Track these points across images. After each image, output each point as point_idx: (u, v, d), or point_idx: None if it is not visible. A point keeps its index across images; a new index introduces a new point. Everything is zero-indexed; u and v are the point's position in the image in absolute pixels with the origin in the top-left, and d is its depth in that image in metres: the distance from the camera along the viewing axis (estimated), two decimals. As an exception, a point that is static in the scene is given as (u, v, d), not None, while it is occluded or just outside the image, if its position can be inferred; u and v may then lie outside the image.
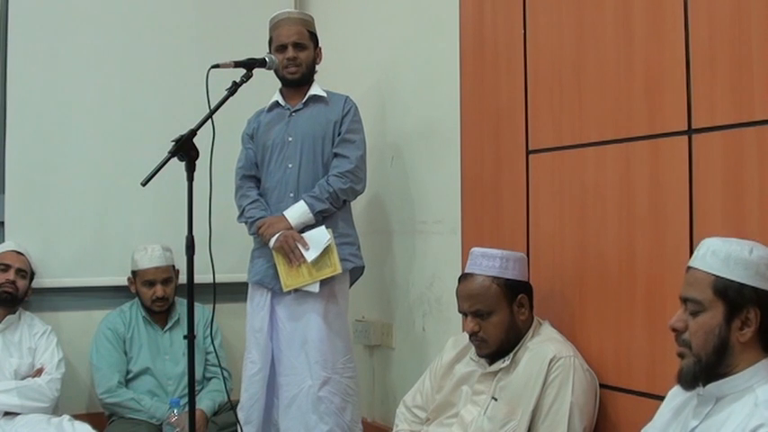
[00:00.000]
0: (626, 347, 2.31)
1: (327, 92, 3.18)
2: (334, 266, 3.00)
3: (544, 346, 2.33)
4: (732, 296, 1.67)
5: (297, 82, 3.13)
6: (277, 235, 2.99)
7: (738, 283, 1.67)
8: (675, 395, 1.86)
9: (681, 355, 1.74)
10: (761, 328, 1.67)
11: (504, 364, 2.38)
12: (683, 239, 2.12)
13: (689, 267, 1.77)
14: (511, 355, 2.38)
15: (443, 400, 2.53)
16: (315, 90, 3.16)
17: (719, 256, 1.70)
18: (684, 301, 1.74)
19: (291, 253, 2.98)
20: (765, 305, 1.67)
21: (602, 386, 2.36)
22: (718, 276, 1.69)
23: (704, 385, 1.71)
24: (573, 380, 2.26)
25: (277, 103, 3.19)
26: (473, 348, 2.47)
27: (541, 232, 2.64)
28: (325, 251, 2.98)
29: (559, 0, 2.56)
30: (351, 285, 3.20)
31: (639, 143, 2.28)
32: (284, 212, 3.04)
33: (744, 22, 2.00)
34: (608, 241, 2.38)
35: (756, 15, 1.97)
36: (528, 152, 2.70)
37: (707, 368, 1.69)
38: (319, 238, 3.00)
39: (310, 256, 2.98)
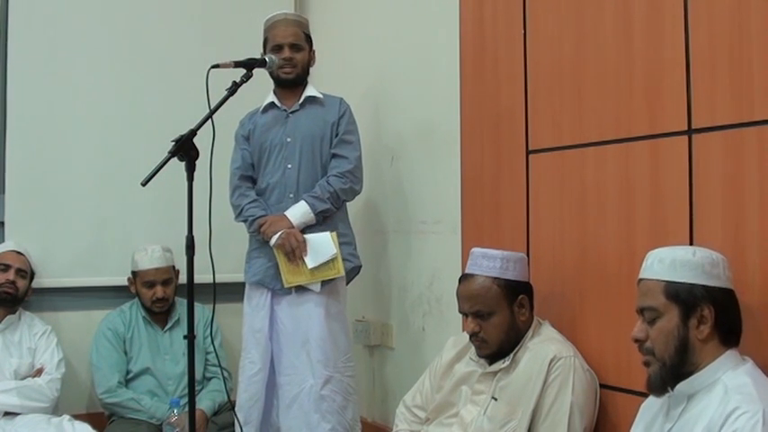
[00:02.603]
0: (626, 347, 2.30)
1: (322, 93, 3.19)
2: (338, 270, 3.01)
3: (544, 346, 2.33)
4: (684, 297, 1.76)
5: (291, 82, 3.13)
6: (279, 233, 3.00)
7: (688, 283, 1.76)
8: (647, 408, 1.93)
9: (646, 364, 1.82)
10: (717, 323, 1.75)
11: (504, 365, 2.38)
12: (683, 239, 2.12)
13: (639, 280, 1.86)
14: (511, 355, 2.38)
15: (443, 399, 2.53)
16: (310, 91, 3.17)
17: (665, 262, 1.80)
18: (641, 311, 1.83)
19: (292, 253, 2.98)
20: (717, 301, 1.76)
21: (602, 386, 2.37)
22: (668, 281, 1.78)
23: (672, 388, 1.78)
24: (573, 380, 2.26)
25: (272, 104, 3.19)
26: (473, 348, 2.47)
27: (541, 232, 2.64)
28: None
29: (559, 0, 2.57)
30: (347, 284, 3.20)
31: (639, 143, 2.28)
32: (286, 212, 3.04)
33: (744, 22, 2.00)
34: (608, 241, 2.38)
35: (756, 15, 1.97)
36: (528, 152, 2.70)
37: (672, 369, 1.77)
38: (324, 247, 2.99)
39: (311, 262, 2.98)
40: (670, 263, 1.79)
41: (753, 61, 1.98)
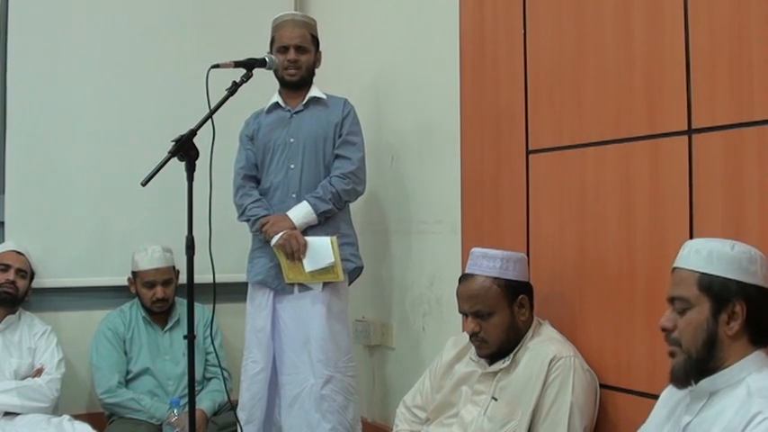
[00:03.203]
0: (626, 347, 2.31)
1: (326, 94, 3.19)
2: (337, 275, 3.01)
3: (544, 346, 2.33)
4: (717, 291, 1.72)
5: (295, 84, 3.15)
6: (281, 233, 3.00)
7: (723, 277, 1.72)
8: (670, 395, 1.89)
9: (672, 354, 1.78)
10: (748, 321, 1.71)
11: (505, 365, 2.38)
12: (683, 239, 2.10)
13: (674, 269, 1.82)
14: (511, 355, 2.38)
15: (443, 400, 2.53)
16: (314, 92, 3.18)
17: (702, 253, 1.75)
18: (672, 300, 1.79)
19: (291, 255, 2.99)
20: (750, 298, 1.72)
21: (602, 386, 2.37)
22: (702, 273, 1.74)
23: (696, 381, 1.75)
24: (573, 380, 2.26)
25: (277, 105, 3.21)
26: (473, 348, 2.47)
27: (541, 232, 2.64)
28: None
29: (559, 0, 2.57)
30: (349, 284, 3.21)
31: (639, 143, 2.28)
32: (288, 212, 3.05)
33: (744, 22, 2.00)
34: (608, 241, 2.38)
35: (756, 15, 1.97)
36: (528, 152, 2.70)
37: (697, 363, 1.73)
38: (323, 253, 2.98)
39: (308, 266, 2.99)
40: (707, 254, 1.75)
41: (753, 61, 1.98)
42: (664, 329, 1.79)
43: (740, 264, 1.73)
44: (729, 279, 1.72)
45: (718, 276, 1.72)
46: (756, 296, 1.73)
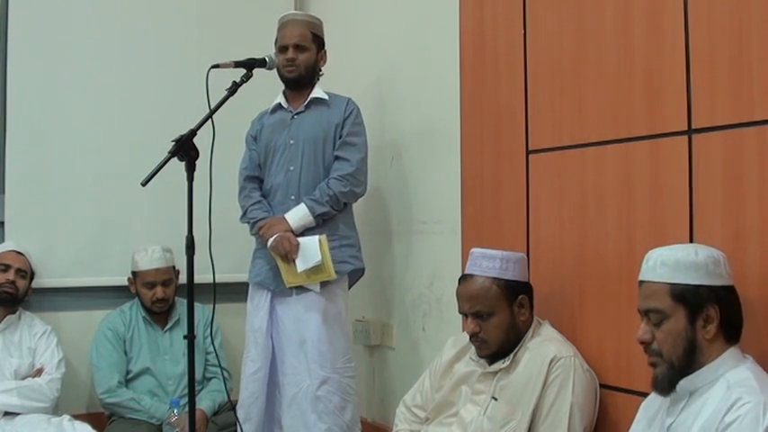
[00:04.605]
0: (626, 347, 2.31)
1: (329, 94, 3.19)
2: (328, 273, 2.99)
3: (544, 346, 2.33)
4: (690, 299, 1.77)
5: (295, 82, 3.15)
6: (275, 236, 3.00)
7: (693, 285, 1.77)
8: (650, 404, 1.94)
9: (653, 365, 1.83)
10: (722, 321, 1.77)
11: (505, 365, 2.38)
12: (682, 239, 2.12)
13: (641, 282, 1.87)
14: (511, 355, 2.38)
15: (443, 399, 2.54)
16: (316, 93, 3.18)
17: (669, 264, 1.80)
18: (646, 313, 1.84)
19: (285, 256, 3.00)
20: (722, 300, 1.78)
21: (602, 386, 2.37)
22: (673, 284, 1.79)
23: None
24: (573, 380, 2.26)
25: (280, 105, 3.21)
26: (473, 348, 2.47)
27: (541, 232, 2.64)
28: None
29: (559, 0, 2.57)
30: (351, 286, 3.21)
31: (639, 143, 2.28)
32: (285, 215, 3.05)
33: (744, 22, 2.00)
34: (608, 241, 2.38)
35: (756, 15, 1.97)
36: (528, 152, 2.70)
37: (680, 370, 1.78)
38: (311, 252, 2.98)
39: (300, 266, 2.99)
40: (674, 264, 1.79)
41: (753, 61, 1.98)
42: (643, 342, 1.84)
43: (707, 268, 1.78)
44: (700, 285, 1.77)
45: (688, 285, 1.77)
46: (726, 296, 1.79)
